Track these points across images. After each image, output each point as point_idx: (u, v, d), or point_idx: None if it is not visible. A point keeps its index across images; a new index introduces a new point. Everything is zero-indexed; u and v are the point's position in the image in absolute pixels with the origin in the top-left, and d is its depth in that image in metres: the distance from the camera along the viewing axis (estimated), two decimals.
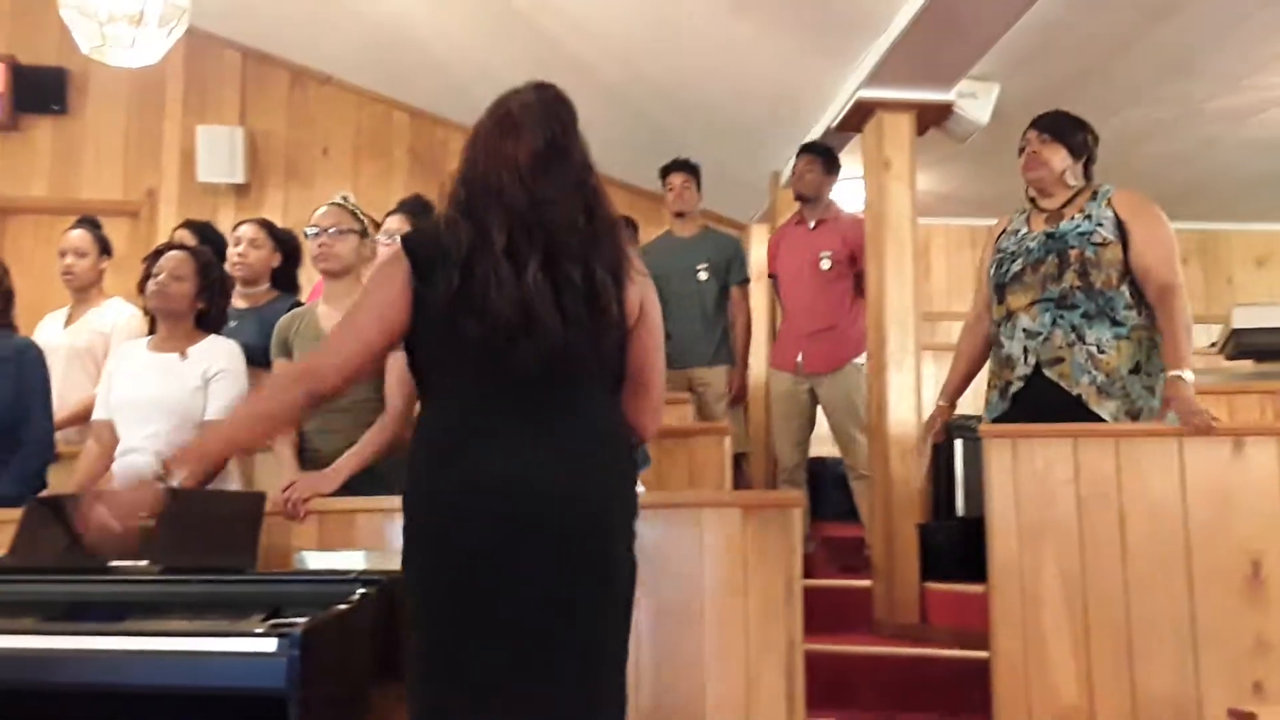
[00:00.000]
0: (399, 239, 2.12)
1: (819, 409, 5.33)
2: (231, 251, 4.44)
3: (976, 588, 3.41)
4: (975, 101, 5.11)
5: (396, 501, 3.04)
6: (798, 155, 5.40)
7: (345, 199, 3.80)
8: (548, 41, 5.81)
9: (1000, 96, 5.16)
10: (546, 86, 2.17)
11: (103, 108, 7.07)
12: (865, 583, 4.77)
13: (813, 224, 5.39)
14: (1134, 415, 3.30)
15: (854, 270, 5.26)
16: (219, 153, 6.96)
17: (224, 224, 5.86)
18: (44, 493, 3.50)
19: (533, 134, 2.06)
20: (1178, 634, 3.05)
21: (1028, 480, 3.16)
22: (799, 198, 5.42)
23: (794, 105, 5.61)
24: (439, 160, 7.22)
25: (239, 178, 7.00)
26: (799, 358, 5.26)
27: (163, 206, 7.03)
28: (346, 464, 3.21)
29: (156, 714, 2.66)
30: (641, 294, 2.09)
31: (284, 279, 4.54)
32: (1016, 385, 3.44)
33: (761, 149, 6.24)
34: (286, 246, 4.57)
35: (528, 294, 1.93)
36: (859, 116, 4.96)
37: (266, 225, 4.59)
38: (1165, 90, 5.57)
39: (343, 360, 2.07)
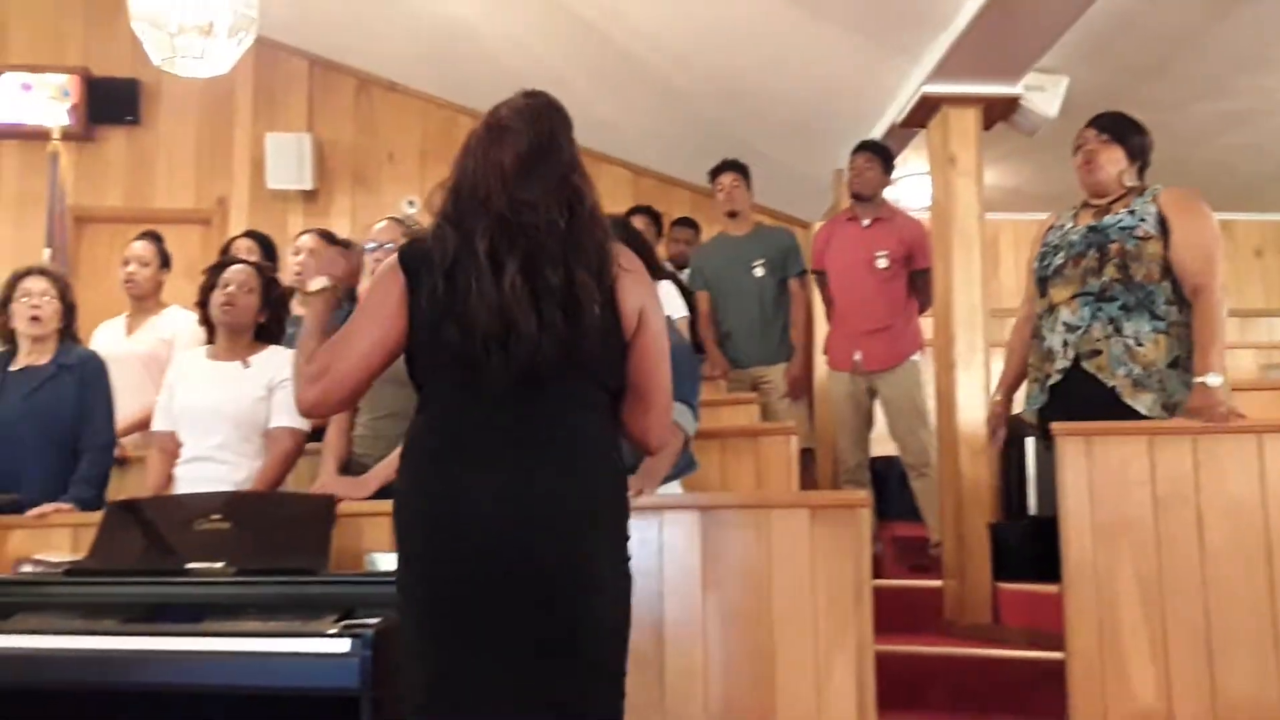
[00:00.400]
0: (396, 251, 2.11)
1: (877, 407, 5.28)
2: (293, 260, 4.53)
3: (1050, 588, 3.36)
4: (1043, 94, 5.04)
5: None
6: (855, 153, 5.34)
7: (411, 204, 3.83)
8: (609, 44, 5.83)
9: (1070, 89, 5.08)
10: (538, 94, 2.16)
11: (174, 118, 7.20)
12: (935, 582, 4.73)
13: (867, 222, 5.33)
14: (1170, 409, 3.27)
15: (909, 270, 5.22)
16: (287, 160, 7.06)
17: (292, 230, 5.97)
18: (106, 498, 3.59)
19: (518, 138, 2.04)
20: (1259, 636, 2.98)
21: (1102, 479, 3.10)
22: (856, 196, 5.36)
23: (857, 102, 5.56)
24: None
25: (307, 184, 7.10)
26: (857, 356, 5.21)
27: (233, 214, 7.15)
28: (379, 472, 3.26)
29: (229, 713, 2.71)
30: (641, 301, 2.04)
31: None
32: (1055, 378, 3.43)
33: (824, 146, 6.20)
34: None
35: (506, 300, 1.90)
36: (924, 112, 4.91)
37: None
38: (1239, 82, 5.46)
39: (341, 377, 2.06)
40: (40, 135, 6.65)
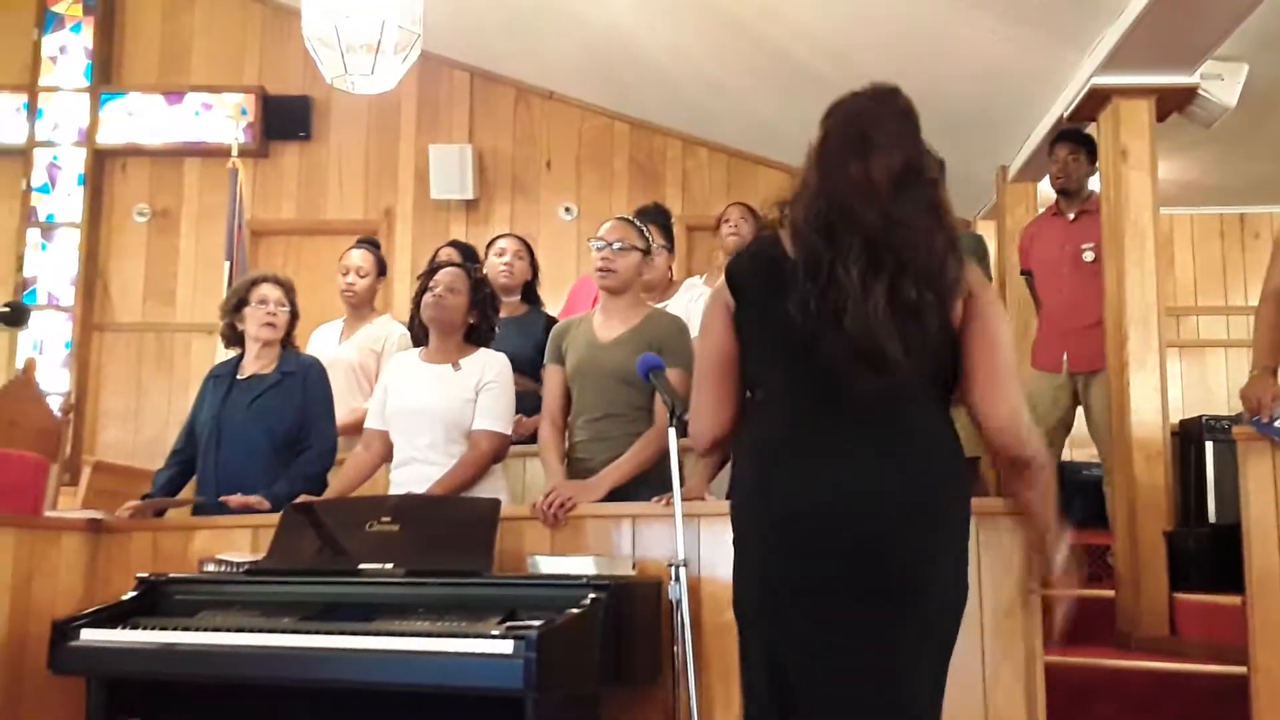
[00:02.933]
0: (726, 266, 2.17)
1: (1078, 410, 5.08)
2: (496, 263, 4.64)
3: (1232, 599, 3.22)
4: (1221, 84, 4.81)
5: (624, 508, 3.14)
6: (1055, 144, 5.14)
7: (568, 210, 3.89)
8: (766, 45, 5.80)
9: (1249, 77, 4.84)
10: (894, 94, 2.12)
11: (343, 132, 7.47)
12: (1108, 592, 4.56)
13: (1073, 216, 5.13)
14: None
15: None
16: (450, 170, 7.24)
17: (455, 238, 6.09)
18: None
19: (889, 155, 2.01)
20: None
21: None
22: (1061, 190, 5.17)
23: (1022, 96, 5.41)
24: (658, 169, 7.31)
25: (469, 194, 7.26)
26: (1064, 356, 5.02)
27: (399, 224, 7.36)
28: (610, 475, 3.29)
29: (393, 711, 2.79)
30: (968, 288, 2.02)
31: (530, 293, 4.73)
32: None
33: (986, 142, 6.05)
34: (534, 261, 4.79)
35: (870, 324, 1.90)
36: (1093, 104, 4.74)
37: (523, 240, 4.78)
38: None
39: (712, 423, 2.15)
40: (220, 152, 6.99)
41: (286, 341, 3.97)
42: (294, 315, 3.98)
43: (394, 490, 3.58)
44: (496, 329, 3.78)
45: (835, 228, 1.97)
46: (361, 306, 4.78)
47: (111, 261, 7.37)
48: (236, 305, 3.94)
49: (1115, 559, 4.57)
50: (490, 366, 3.59)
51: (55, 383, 6.94)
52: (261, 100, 7.36)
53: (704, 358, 2.18)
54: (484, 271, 4.12)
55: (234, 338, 3.98)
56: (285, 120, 7.39)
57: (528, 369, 4.17)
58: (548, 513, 3.15)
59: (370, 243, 4.95)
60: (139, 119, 7.38)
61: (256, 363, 3.91)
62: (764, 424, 2.06)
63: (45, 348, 7.12)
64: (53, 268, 7.26)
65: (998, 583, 2.80)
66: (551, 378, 3.61)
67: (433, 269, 3.73)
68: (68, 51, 7.44)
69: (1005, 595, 2.79)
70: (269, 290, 3.92)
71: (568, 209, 7.20)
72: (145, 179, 7.45)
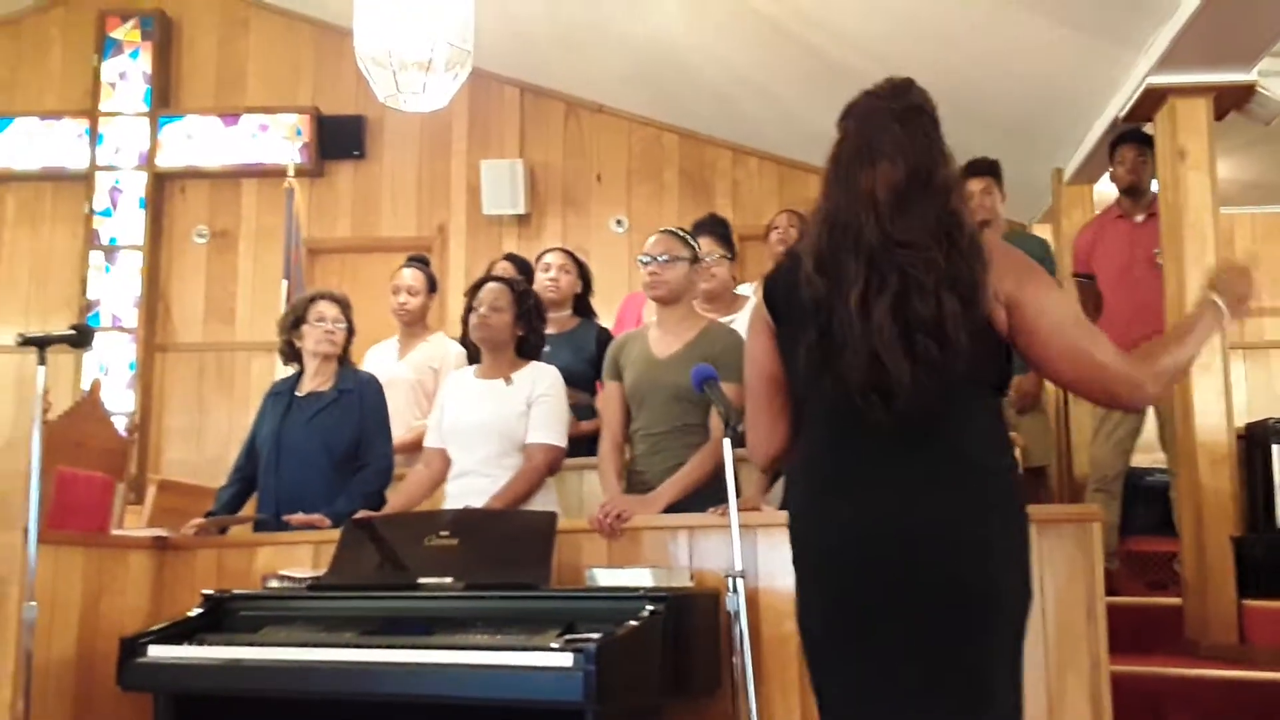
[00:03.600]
0: (761, 286, 2.15)
1: (1147, 415, 4.99)
2: (542, 277, 4.66)
3: None
4: None
5: (680, 519, 3.14)
6: (1121, 144, 5.07)
7: (619, 223, 3.90)
8: (815, 53, 5.79)
9: None
10: (905, 90, 2.08)
11: (397, 150, 7.54)
12: (1175, 600, 4.48)
13: (1140, 218, 5.04)
14: None
15: None
16: (501, 186, 7.28)
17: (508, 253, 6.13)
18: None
19: (893, 163, 1.96)
20: None
21: None
22: (1128, 190, 5.09)
23: (1076, 97, 5.35)
24: (709, 179, 7.31)
25: (520, 208, 7.31)
26: None
27: (452, 240, 7.42)
28: (667, 491, 3.31)
29: None
30: (1006, 287, 1.92)
31: (582, 305, 4.73)
32: None
33: (1041, 145, 5.98)
34: (587, 275, 4.77)
35: (877, 348, 1.86)
36: (1149, 104, 4.67)
37: (570, 253, 4.79)
38: None
39: (766, 442, 2.14)
40: (276, 173, 7.10)
41: (343, 358, 4.02)
42: (350, 331, 4.02)
43: (449, 502, 3.62)
44: (545, 341, 3.81)
45: (838, 254, 1.94)
46: (414, 324, 4.81)
47: (172, 282, 7.50)
48: (294, 322, 3.99)
49: (1182, 566, 4.49)
50: (542, 380, 3.63)
51: (120, 403, 7.08)
52: (316, 120, 7.46)
53: (750, 377, 2.17)
54: (527, 284, 4.14)
55: (292, 354, 4.03)
56: (339, 139, 7.49)
57: (578, 382, 4.19)
58: (604, 523, 3.16)
59: (420, 260, 4.98)
60: (197, 141, 7.52)
61: (315, 379, 3.96)
62: (810, 445, 2.04)
63: (110, 369, 7.26)
64: (116, 290, 7.40)
65: (1061, 591, 2.76)
66: (610, 394, 3.64)
67: (475, 287, 3.78)
68: (127, 77, 7.59)
69: (1069, 602, 2.75)
70: (326, 307, 3.96)
71: (619, 221, 7.22)
72: (204, 200, 7.58)
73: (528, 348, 3.72)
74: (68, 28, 7.71)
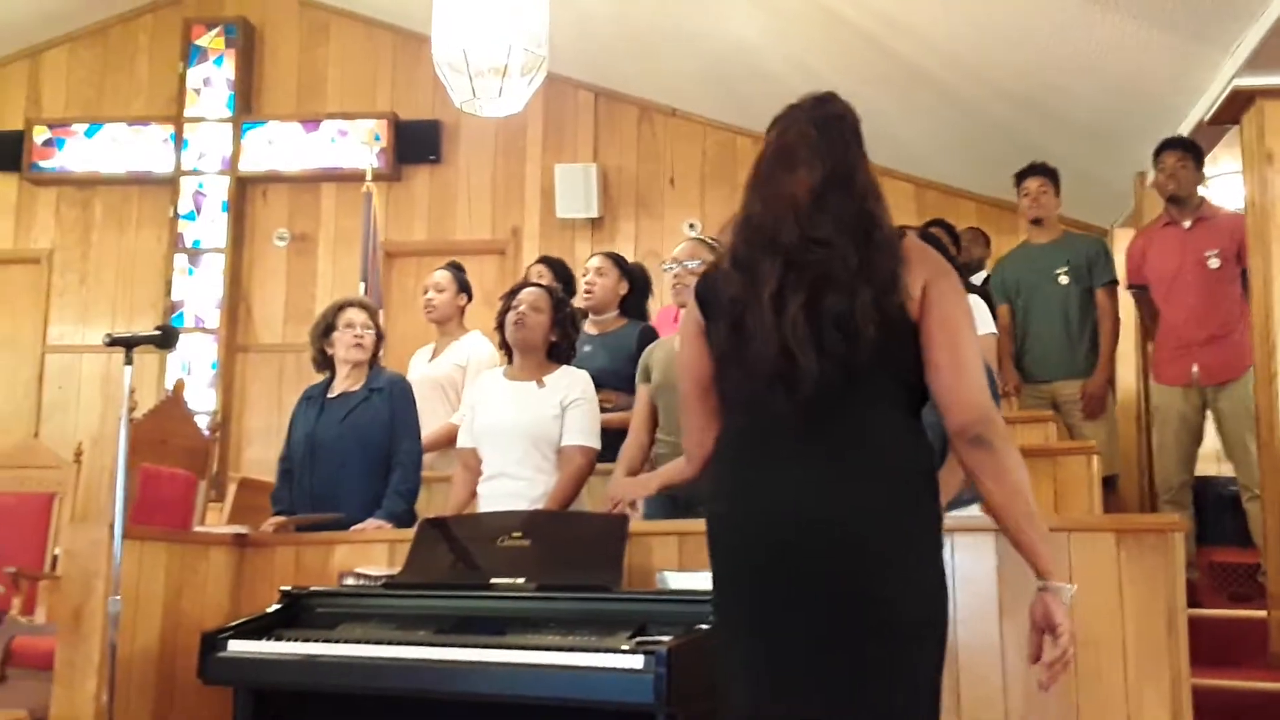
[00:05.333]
0: (693, 287, 2.17)
1: (1208, 423, 4.90)
2: (584, 282, 4.72)
3: None
4: None
5: None
6: (1161, 152, 5.01)
7: (692, 226, 3.93)
8: (891, 56, 5.75)
9: None
10: (825, 101, 2.11)
11: (472, 154, 7.62)
12: (1260, 613, 4.37)
13: (1188, 224, 4.97)
14: None
15: (1240, 268, 4.82)
16: (575, 189, 7.33)
17: (580, 256, 6.18)
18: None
19: (810, 167, 2.00)
20: None
21: None
22: (1171, 198, 5.03)
23: (1160, 100, 5.25)
24: None
25: (593, 212, 7.34)
26: (1194, 369, 4.85)
27: (526, 243, 7.48)
28: (662, 474, 3.32)
29: None
30: (924, 278, 1.93)
31: (633, 308, 4.77)
32: None
33: (1123, 149, 5.88)
34: (635, 277, 4.80)
35: (785, 339, 1.89)
36: (1236, 106, 4.56)
37: (613, 257, 4.86)
38: None
39: (698, 445, 2.14)
40: (355, 177, 7.22)
41: (372, 362, 4.10)
42: (379, 336, 4.11)
43: (483, 503, 3.68)
44: (576, 350, 3.89)
45: (754, 253, 1.97)
46: (445, 323, 4.91)
47: (253, 284, 7.65)
48: (325, 330, 4.07)
49: (1266, 577, 4.38)
50: (575, 384, 3.70)
51: (202, 402, 7.24)
52: (393, 125, 7.57)
53: (682, 380, 2.18)
54: (564, 292, 4.21)
55: (324, 362, 4.12)
56: (416, 144, 7.59)
57: (612, 382, 4.24)
58: (634, 514, 3.25)
59: (453, 265, 5.10)
60: (278, 147, 7.67)
61: (345, 382, 4.05)
62: (724, 436, 2.06)
63: (193, 369, 7.43)
64: (199, 292, 7.58)
65: (1141, 601, 2.71)
66: (639, 396, 3.72)
67: (515, 289, 3.83)
68: (211, 84, 7.76)
69: (1148, 614, 2.70)
70: (355, 314, 4.06)
71: (692, 225, 7.22)
72: (284, 204, 7.73)
73: (558, 353, 3.78)
74: (154, 36, 7.91)
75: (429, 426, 4.31)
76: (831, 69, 6.07)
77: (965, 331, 1.95)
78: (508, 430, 3.66)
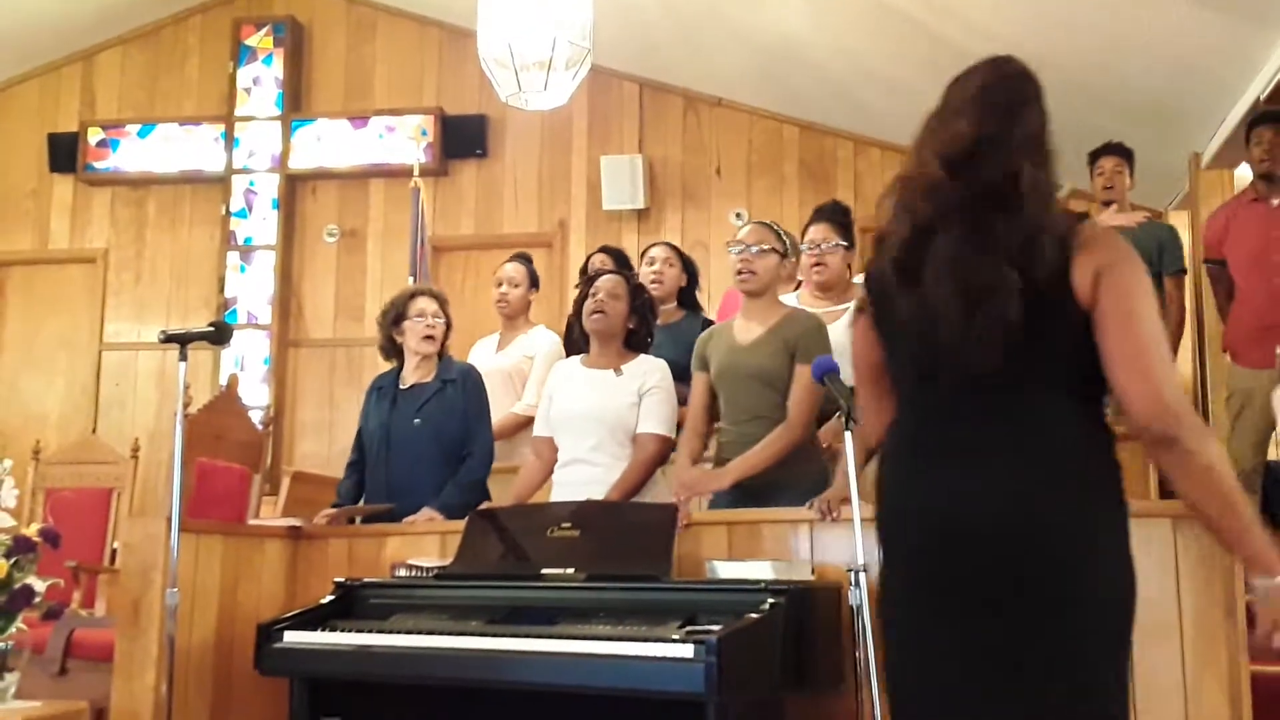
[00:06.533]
0: (865, 269, 2.13)
1: None
2: (647, 271, 4.70)
3: None
4: None
5: (799, 513, 3.12)
6: (1256, 126, 4.87)
7: (738, 216, 3.91)
8: (942, 43, 5.68)
9: None
10: (1003, 63, 2.06)
11: (518, 148, 7.64)
12: None
13: (1277, 201, 4.84)
14: None
15: None
16: (621, 181, 7.33)
17: (628, 248, 6.17)
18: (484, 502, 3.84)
19: (966, 126, 1.96)
20: None
21: None
22: (1265, 175, 4.89)
23: (1213, 79, 5.16)
24: (829, 171, 7.24)
25: (640, 203, 7.34)
26: (1279, 350, 4.74)
27: (572, 235, 7.49)
28: (737, 467, 3.34)
29: (574, 713, 2.83)
30: (1096, 265, 1.84)
31: (688, 299, 4.76)
32: None
33: (1177, 130, 5.79)
34: (690, 268, 4.77)
35: (946, 312, 1.85)
36: None
37: (674, 247, 4.83)
38: None
39: (870, 426, 2.12)
40: (403, 173, 7.26)
41: (441, 352, 4.09)
42: (449, 326, 4.09)
43: (558, 490, 3.68)
44: (654, 336, 3.85)
45: (916, 206, 1.94)
46: (515, 317, 4.92)
47: (304, 280, 7.73)
48: (395, 319, 4.06)
49: None
50: (652, 372, 3.68)
51: (256, 397, 7.30)
52: (440, 121, 7.60)
53: (855, 365, 2.16)
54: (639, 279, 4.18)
55: (392, 350, 4.11)
56: (463, 139, 7.61)
57: (682, 375, 4.21)
58: (681, 503, 3.19)
59: (523, 257, 5.08)
60: (327, 144, 7.73)
61: (416, 373, 4.04)
62: (898, 426, 2.02)
63: (246, 364, 7.51)
64: (251, 288, 7.66)
65: (1197, 587, 2.67)
66: (697, 384, 3.66)
67: (592, 277, 3.82)
68: (260, 83, 7.84)
69: (1206, 600, 2.66)
70: (426, 303, 4.05)
71: (738, 215, 7.19)
72: (334, 201, 7.79)
73: (636, 340, 3.76)
74: (205, 36, 7.99)
75: (496, 416, 4.30)
76: (880, 55, 6.03)
77: (1143, 322, 1.83)
78: (585, 417, 3.65)
